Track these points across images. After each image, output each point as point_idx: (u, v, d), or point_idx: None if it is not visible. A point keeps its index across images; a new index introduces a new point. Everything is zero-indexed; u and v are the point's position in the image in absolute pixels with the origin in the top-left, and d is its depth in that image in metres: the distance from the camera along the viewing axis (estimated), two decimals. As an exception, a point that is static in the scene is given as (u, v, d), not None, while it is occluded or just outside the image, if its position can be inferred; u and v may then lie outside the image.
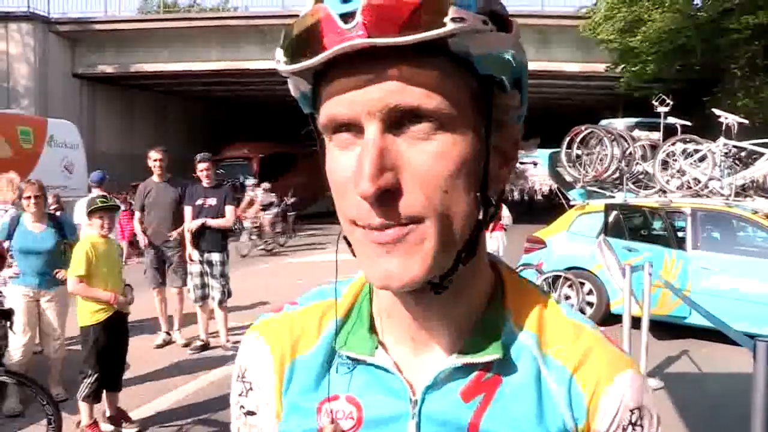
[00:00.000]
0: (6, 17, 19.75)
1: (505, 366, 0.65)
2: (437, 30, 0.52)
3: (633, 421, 0.66)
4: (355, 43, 0.52)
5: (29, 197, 4.63)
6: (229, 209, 6.19)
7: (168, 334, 6.37)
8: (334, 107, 0.57)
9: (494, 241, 9.62)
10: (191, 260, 6.11)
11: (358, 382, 0.68)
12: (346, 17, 0.53)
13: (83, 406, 4.09)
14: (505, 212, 10.16)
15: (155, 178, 6.43)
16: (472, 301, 0.67)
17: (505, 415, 0.64)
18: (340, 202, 0.60)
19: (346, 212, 0.59)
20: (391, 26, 0.52)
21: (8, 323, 4.06)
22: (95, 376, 4.05)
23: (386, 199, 0.55)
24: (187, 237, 6.09)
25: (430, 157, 0.56)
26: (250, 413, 0.76)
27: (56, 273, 4.70)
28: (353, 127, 0.57)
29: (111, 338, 4.14)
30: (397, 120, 0.55)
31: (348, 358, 0.69)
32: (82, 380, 4.06)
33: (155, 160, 6.34)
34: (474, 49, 0.55)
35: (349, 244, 0.62)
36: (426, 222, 0.57)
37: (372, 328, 0.69)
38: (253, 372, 0.75)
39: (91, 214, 4.25)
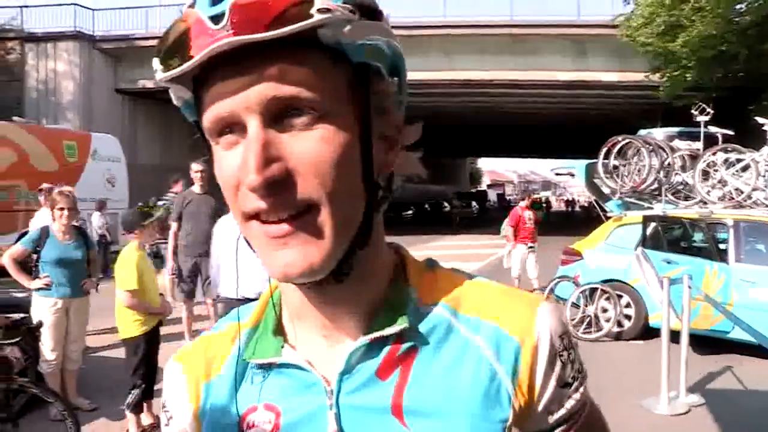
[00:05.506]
0: (55, 37, 20.59)
1: (418, 337, 0.65)
2: (303, 22, 0.53)
3: (565, 345, 0.67)
4: (223, 43, 0.54)
5: (62, 209, 4.66)
6: None
7: None
8: (215, 109, 0.58)
9: (518, 251, 9.63)
10: None
11: (274, 387, 0.67)
12: (216, 19, 0.54)
13: (132, 417, 4.20)
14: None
15: (196, 188, 6.41)
16: (375, 286, 0.67)
17: (428, 387, 0.63)
18: (232, 200, 0.60)
19: (239, 208, 0.59)
20: (259, 23, 0.53)
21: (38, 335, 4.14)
22: (143, 386, 4.16)
23: (275, 189, 0.56)
24: None
25: (313, 145, 0.57)
26: None
27: (83, 283, 4.79)
28: (236, 127, 0.58)
29: (151, 347, 4.26)
30: (278, 113, 0.56)
31: (258, 366, 0.68)
32: (130, 391, 4.16)
33: (197, 172, 6.32)
34: (344, 39, 0.57)
35: (248, 243, 0.63)
36: (317, 209, 0.57)
37: (277, 332, 0.69)
38: (171, 401, 0.74)
39: (141, 227, 4.35)
